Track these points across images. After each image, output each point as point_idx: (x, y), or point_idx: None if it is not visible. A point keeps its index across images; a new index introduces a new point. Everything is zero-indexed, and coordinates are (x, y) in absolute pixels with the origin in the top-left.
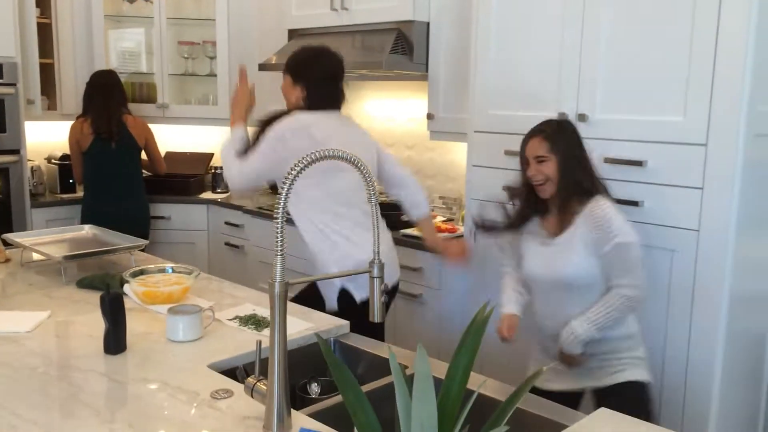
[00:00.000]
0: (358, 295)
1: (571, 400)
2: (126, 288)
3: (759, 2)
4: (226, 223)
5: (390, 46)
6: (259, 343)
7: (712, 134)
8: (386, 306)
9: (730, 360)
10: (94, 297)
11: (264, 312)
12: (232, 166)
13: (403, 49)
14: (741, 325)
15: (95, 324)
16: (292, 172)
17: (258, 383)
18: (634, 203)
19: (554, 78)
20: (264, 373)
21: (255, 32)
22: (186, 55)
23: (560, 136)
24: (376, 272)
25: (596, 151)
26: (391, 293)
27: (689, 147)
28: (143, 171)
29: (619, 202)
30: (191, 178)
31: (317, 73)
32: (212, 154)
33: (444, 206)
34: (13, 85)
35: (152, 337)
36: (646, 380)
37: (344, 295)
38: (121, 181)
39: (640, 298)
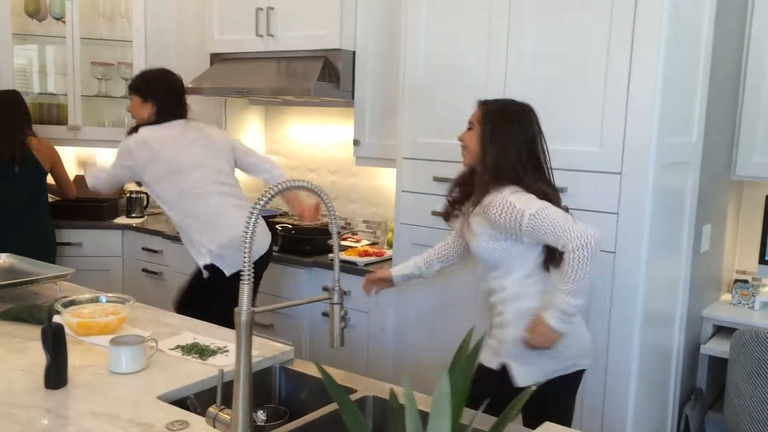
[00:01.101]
0: (227, 270)
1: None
2: (56, 319)
3: (667, 38)
4: (144, 248)
5: (318, 73)
6: (221, 371)
7: (626, 163)
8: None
9: (644, 372)
10: (22, 330)
11: (205, 340)
12: (97, 176)
13: (329, 77)
14: (652, 339)
15: (29, 358)
16: (260, 202)
17: (220, 413)
18: None
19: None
20: (225, 402)
21: (173, 55)
22: (100, 76)
23: (499, 112)
24: (336, 299)
25: None
26: (264, 260)
27: (606, 175)
28: (50, 196)
29: None
30: (104, 202)
31: (164, 91)
32: None
33: (369, 230)
34: None
35: (92, 370)
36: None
37: (213, 269)
38: (25, 207)
39: (590, 242)
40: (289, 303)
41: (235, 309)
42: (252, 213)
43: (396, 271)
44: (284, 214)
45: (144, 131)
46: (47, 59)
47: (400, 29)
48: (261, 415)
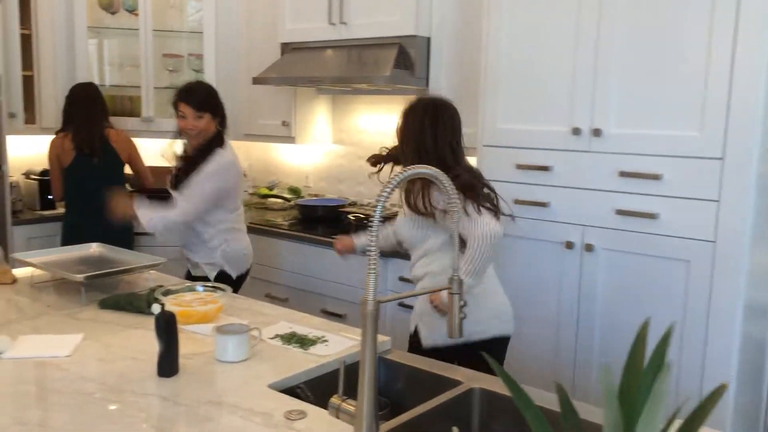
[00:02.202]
0: (234, 273)
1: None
2: (154, 307)
3: None
4: None
5: (393, 60)
6: (343, 362)
7: (728, 149)
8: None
9: (742, 366)
10: (122, 318)
11: (302, 330)
12: (173, 221)
13: (404, 64)
14: (752, 329)
15: (134, 346)
16: (383, 192)
17: (343, 403)
18: (651, 216)
19: (567, 92)
20: (348, 393)
21: (243, 45)
22: (171, 68)
23: (411, 108)
24: (455, 288)
25: (610, 164)
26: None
27: (706, 161)
28: (128, 186)
29: (635, 214)
30: None
31: (222, 106)
32: None
33: None
34: None
35: (198, 358)
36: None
37: (221, 274)
38: (104, 198)
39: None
40: (410, 293)
41: (361, 298)
42: (378, 201)
43: (359, 239)
44: (353, 204)
45: (225, 153)
46: (120, 51)
47: (476, 14)
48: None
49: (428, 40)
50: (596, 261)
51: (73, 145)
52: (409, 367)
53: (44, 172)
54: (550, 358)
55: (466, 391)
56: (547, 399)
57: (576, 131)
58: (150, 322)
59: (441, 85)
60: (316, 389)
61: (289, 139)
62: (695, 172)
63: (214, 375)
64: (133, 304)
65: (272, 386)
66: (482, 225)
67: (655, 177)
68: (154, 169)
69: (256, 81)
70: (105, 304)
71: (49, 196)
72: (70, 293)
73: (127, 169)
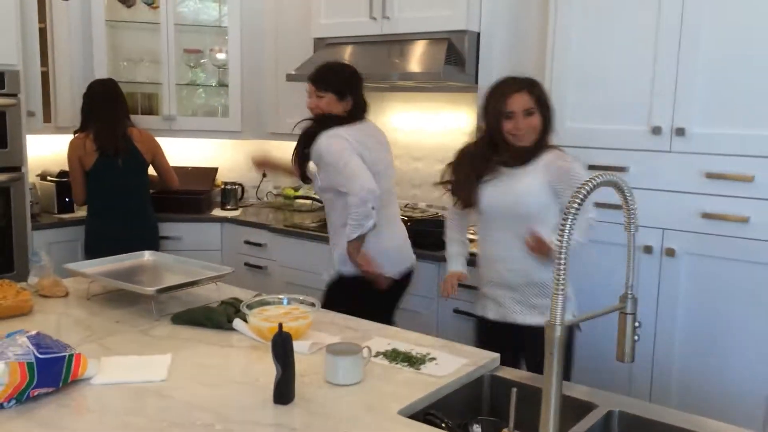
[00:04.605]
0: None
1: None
2: (237, 323)
3: None
4: (246, 242)
5: (443, 56)
6: (515, 391)
7: None
8: (401, 293)
9: None
10: (201, 334)
11: (402, 346)
12: (352, 204)
13: (454, 60)
14: None
15: (232, 367)
16: (574, 202)
17: None
18: (741, 219)
19: (646, 89)
20: (519, 425)
21: (270, 40)
22: (192, 64)
23: (542, 92)
24: (629, 308)
25: (695, 166)
26: (406, 278)
27: None
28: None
29: (723, 218)
30: (200, 194)
31: (360, 87)
32: (217, 169)
33: None
34: (15, 95)
35: (305, 381)
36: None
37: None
38: (128, 201)
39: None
40: (592, 314)
41: (548, 322)
42: (569, 212)
43: (463, 266)
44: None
45: (342, 131)
46: (137, 46)
47: (527, 7)
48: (477, 429)
49: (478, 35)
50: (678, 266)
51: (96, 145)
52: (516, 384)
53: (62, 174)
54: (626, 367)
55: (606, 414)
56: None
57: (656, 130)
58: (232, 338)
59: (492, 81)
60: (447, 413)
61: None
62: None
63: (333, 401)
64: (212, 318)
65: (402, 413)
66: None
67: (746, 179)
68: (178, 169)
69: (291, 78)
70: (179, 319)
71: (67, 199)
72: (135, 307)
73: (150, 170)
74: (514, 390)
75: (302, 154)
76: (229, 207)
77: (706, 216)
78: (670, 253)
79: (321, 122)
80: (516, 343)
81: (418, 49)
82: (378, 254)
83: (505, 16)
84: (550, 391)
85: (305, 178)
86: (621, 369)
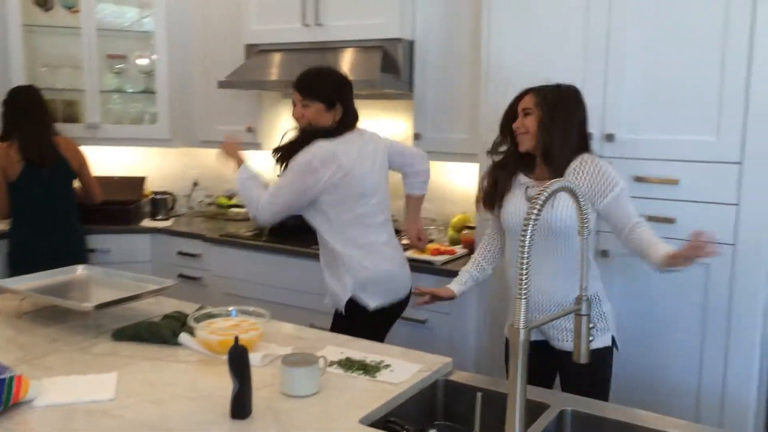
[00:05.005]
0: (372, 303)
1: (549, 355)
2: (183, 337)
3: None
4: (180, 253)
5: (379, 64)
6: (480, 396)
7: (747, 153)
8: (397, 316)
9: (763, 368)
10: (144, 350)
11: (355, 354)
12: (259, 199)
13: (390, 68)
14: None
15: (180, 383)
16: (533, 210)
17: None
18: (669, 220)
19: None
20: (494, 428)
21: (198, 46)
22: (116, 70)
23: (552, 95)
24: (584, 310)
25: (624, 170)
26: (405, 302)
27: (723, 165)
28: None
29: (652, 219)
30: (128, 204)
31: (349, 95)
32: (145, 178)
33: (432, 227)
34: None
35: (261, 394)
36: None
37: (353, 305)
38: (55, 212)
39: None
40: (556, 315)
41: (511, 326)
42: (529, 218)
43: (458, 288)
44: None
45: (327, 144)
46: (59, 52)
47: (461, 17)
48: None
49: (411, 43)
50: (611, 267)
51: (21, 155)
52: (471, 388)
53: None
54: None
55: (558, 414)
56: None
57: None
58: (179, 353)
59: (427, 89)
60: (409, 420)
61: (255, 145)
62: (712, 177)
63: (292, 413)
64: (156, 333)
65: (363, 421)
66: None
67: (672, 182)
68: (103, 179)
69: (223, 85)
70: (121, 336)
71: None
72: (70, 324)
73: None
74: (479, 394)
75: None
76: (159, 217)
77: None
78: (605, 254)
79: (307, 134)
80: (550, 363)
81: (353, 56)
82: (358, 285)
83: (438, 24)
84: (516, 394)
85: None
86: None
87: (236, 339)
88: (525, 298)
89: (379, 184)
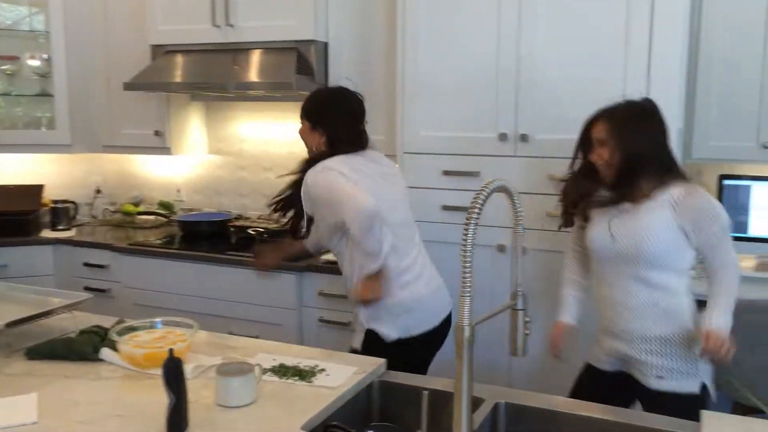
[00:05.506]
0: (388, 336)
1: (624, 388)
2: (105, 352)
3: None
4: (85, 264)
5: (294, 66)
6: (425, 394)
7: None
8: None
9: None
10: (63, 368)
11: (287, 360)
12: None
13: (304, 70)
14: None
15: (107, 400)
16: (474, 210)
17: None
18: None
19: (491, 99)
20: (433, 426)
21: (99, 47)
22: (9, 72)
23: (623, 119)
24: (519, 305)
25: (538, 168)
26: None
27: None
28: None
29: None
30: (26, 215)
31: (336, 116)
32: (42, 186)
33: None
34: None
35: (196, 406)
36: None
37: (371, 336)
38: None
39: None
40: (489, 314)
41: (457, 324)
42: (470, 218)
43: (572, 318)
44: (239, 218)
45: (330, 163)
46: None
47: (374, 20)
48: None
49: (325, 45)
50: (529, 262)
51: None
52: (404, 387)
53: None
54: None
55: (493, 407)
56: None
57: (502, 137)
58: (101, 369)
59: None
60: (351, 423)
61: (164, 150)
62: None
63: (232, 424)
64: (74, 350)
65: (305, 428)
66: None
67: None
68: None
69: (128, 87)
70: (36, 354)
71: None
72: None
73: None
74: (426, 393)
75: (298, 208)
76: (60, 227)
77: (551, 215)
78: (525, 251)
79: (306, 163)
80: (629, 393)
81: (265, 58)
82: (386, 314)
83: (351, 26)
84: (462, 392)
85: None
86: (500, 362)
87: (171, 351)
88: (469, 296)
89: (394, 209)
